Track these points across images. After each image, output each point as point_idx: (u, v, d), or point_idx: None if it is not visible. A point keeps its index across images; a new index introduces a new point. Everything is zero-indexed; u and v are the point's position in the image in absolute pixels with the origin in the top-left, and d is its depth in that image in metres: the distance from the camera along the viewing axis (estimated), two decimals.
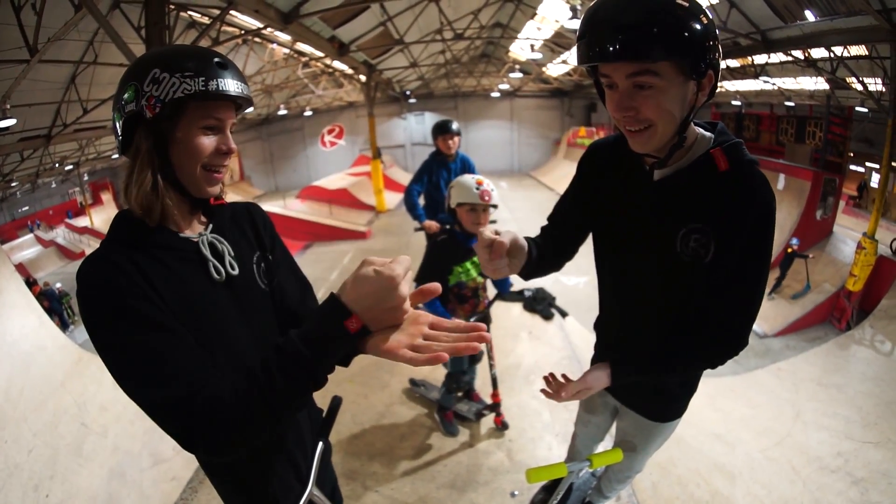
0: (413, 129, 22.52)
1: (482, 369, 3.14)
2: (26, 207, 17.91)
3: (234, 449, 0.80)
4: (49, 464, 2.64)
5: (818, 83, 10.15)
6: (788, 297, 8.59)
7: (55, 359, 3.41)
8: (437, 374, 3.49)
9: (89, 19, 5.93)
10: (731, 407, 4.54)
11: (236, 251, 1.00)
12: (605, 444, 1.82)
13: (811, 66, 9.26)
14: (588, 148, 1.33)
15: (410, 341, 0.79)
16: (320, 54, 11.88)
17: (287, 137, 22.59)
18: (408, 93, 20.15)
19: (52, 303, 10.33)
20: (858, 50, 7.91)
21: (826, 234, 9.48)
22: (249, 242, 1.07)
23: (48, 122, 9.57)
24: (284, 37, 10.13)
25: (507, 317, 4.69)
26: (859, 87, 8.71)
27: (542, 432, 2.99)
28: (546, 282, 5.69)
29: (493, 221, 2.69)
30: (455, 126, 3.97)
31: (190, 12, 7.46)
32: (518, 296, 4.96)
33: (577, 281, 8.05)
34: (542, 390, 1.30)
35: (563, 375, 1.29)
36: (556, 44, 14.19)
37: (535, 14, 12.96)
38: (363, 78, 14.07)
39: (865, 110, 10.18)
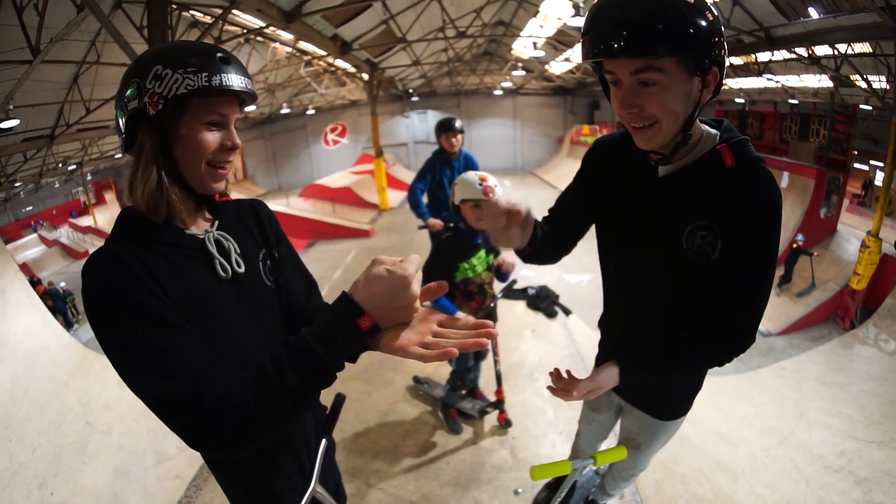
0: (416, 128, 22.49)
1: (486, 366, 3.14)
2: (30, 207, 17.98)
3: (240, 447, 0.78)
4: (53, 462, 2.65)
5: (822, 81, 10.12)
6: (793, 295, 8.56)
7: (59, 358, 3.41)
8: (440, 372, 3.49)
9: (91, 19, 5.96)
10: (734, 406, 4.52)
11: (242, 248, 1.00)
12: (609, 441, 1.82)
13: (815, 64, 9.23)
14: (593, 144, 1.33)
15: (420, 339, 0.80)
16: (323, 53, 11.87)
17: (290, 136, 22.60)
18: (410, 91, 20.14)
19: (56, 302, 10.38)
20: (862, 47, 7.88)
21: (830, 233, 9.43)
22: (255, 240, 1.06)
23: (51, 122, 9.61)
24: (287, 35, 10.13)
25: (511, 315, 4.69)
26: (863, 85, 8.68)
27: (545, 430, 2.99)
28: (549, 279, 5.71)
29: None
30: (458, 124, 3.96)
31: (192, 11, 7.46)
32: (521, 294, 4.97)
33: (580, 279, 8.05)
34: (549, 387, 1.28)
35: (567, 372, 1.27)
36: (559, 41, 14.15)
37: (538, 12, 12.91)
38: (366, 76, 14.05)
39: (870, 108, 10.16)
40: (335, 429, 1.24)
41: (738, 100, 14.49)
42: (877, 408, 4.34)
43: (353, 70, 14.28)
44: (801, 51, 8.93)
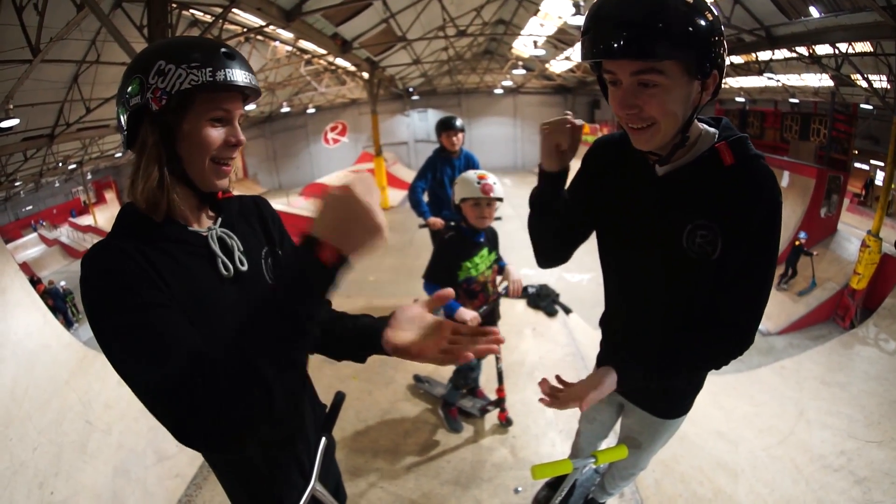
0: (416, 126, 22.43)
1: (487, 365, 3.15)
2: (30, 207, 18.00)
3: (231, 436, 0.71)
4: (54, 461, 2.65)
5: (823, 80, 10.12)
6: (793, 294, 8.56)
7: (60, 357, 3.41)
8: (441, 371, 3.49)
9: (91, 18, 5.96)
10: (733, 405, 4.52)
11: (245, 246, 0.99)
12: (609, 440, 1.82)
13: (816, 63, 9.22)
14: (593, 144, 1.32)
15: (437, 346, 0.92)
16: (323, 52, 11.86)
17: (290, 135, 22.57)
18: (411, 90, 20.10)
19: (56, 301, 10.40)
20: (863, 46, 7.87)
21: (830, 232, 9.43)
22: (258, 237, 1.06)
23: (51, 121, 9.61)
24: (287, 34, 10.13)
25: (511, 313, 4.68)
26: (864, 84, 8.67)
27: (545, 429, 2.99)
28: (550, 278, 5.70)
29: (499, 219, 2.71)
30: (459, 123, 3.96)
31: (192, 10, 7.45)
32: (522, 292, 4.96)
33: (580, 277, 8.04)
34: (541, 399, 1.19)
35: (557, 377, 1.22)
36: (560, 40, 14.13)
37: (538, 10, 12.89)
38: (366, 75, 14.04)
39: (870, 107, 10.15)
40: (335, 427, 1.24)
41: (738, 99, 14.49)
42: (877, 407, 4.34)
43: (353, 69, 14.26)
44: (802, 50, 8.93)
